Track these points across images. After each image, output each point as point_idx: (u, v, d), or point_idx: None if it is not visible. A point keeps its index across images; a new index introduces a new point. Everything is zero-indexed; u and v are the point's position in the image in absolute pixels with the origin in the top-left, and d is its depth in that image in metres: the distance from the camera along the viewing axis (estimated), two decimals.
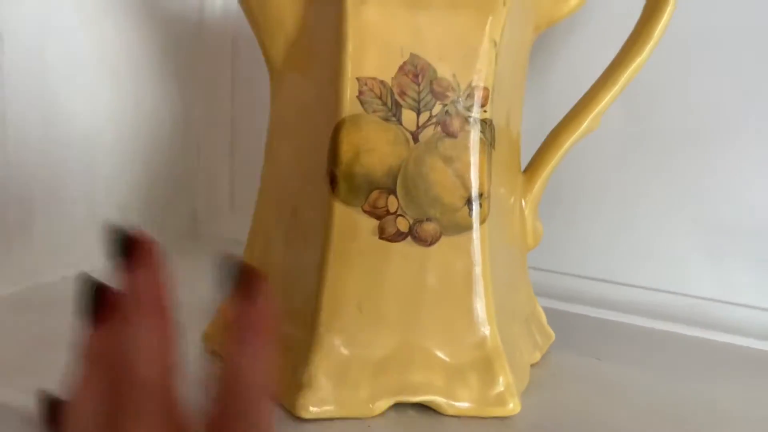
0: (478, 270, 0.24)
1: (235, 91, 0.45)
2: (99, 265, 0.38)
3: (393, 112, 0.23)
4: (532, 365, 0.28)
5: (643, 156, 0.35)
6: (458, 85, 0.23)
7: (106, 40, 0.37)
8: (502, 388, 0.24)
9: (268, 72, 0.27)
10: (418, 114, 0.23)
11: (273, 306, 0.17)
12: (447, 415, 0.24)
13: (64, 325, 0.30)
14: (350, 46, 0.23)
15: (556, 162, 0.29)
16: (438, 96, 0.23)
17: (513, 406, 0.24)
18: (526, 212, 0.29)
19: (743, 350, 0.32)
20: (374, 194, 0.24)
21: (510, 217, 0.28)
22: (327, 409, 0.23)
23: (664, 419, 0.25)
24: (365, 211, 0.24)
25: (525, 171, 0.30)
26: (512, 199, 0.28)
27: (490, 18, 0.23)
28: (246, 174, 0.46)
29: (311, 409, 0.23)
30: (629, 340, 0.33)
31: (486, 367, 0.24)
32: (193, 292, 0.35)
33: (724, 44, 0.33)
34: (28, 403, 0.23)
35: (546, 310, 0.31)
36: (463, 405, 0.24)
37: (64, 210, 0.36)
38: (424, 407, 0.24)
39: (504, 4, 0.23)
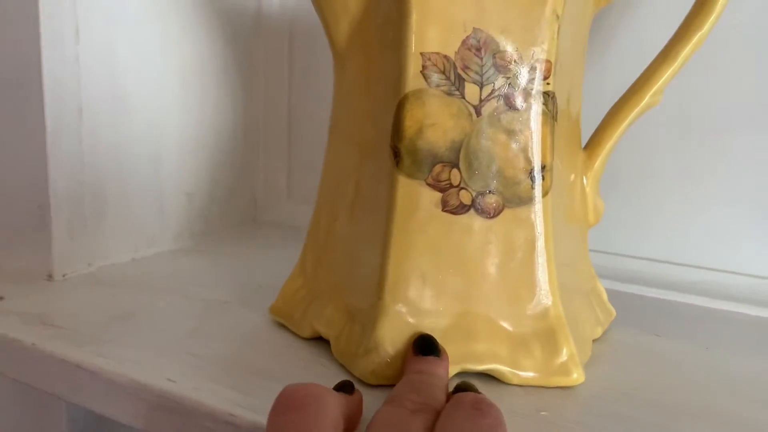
0: (540, 242, 0.25)
1: (292, 84, 0.46)
2: (165, 248, 0.40)
3: (456, 86, 0.24)
4: (594, 340, 0.28)
5: (702, 137, 0.35)
6: (521, 58, 0.24)
7: (171, 35, 0.39)
8: (565, 358, 0.25)
9: (331, 54, 0.28)
10: (481, 87, 0.24)
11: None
12: (511, 384, 0.25)
13: (132, 300, 0.31)
14: (413, 22, 0.23)
15: (617, 139, 0.29)
16: (501, 69, 0.24)
17: (577, 376, 0.25)
18: (588, 189, 0.29)
19: None
20: (437, 168, 0.24)
21: (571, 193, 0.28)
22: (391, 376, 0.24)
23: (718, 391, 0.25)
24: (428, 185, 0.24)
25: (586, 147, 0.30)
26: (573, 176, 0.28)
27: None
28: (302, 164, 0.47)
29: (376, 375, 0.24)
30: (687, 319, 0.33)
31: (549, 337, 0.25)
32: (255, 271, 0.36)
33: None
34: (109, 367, 0.25)
35: (606, 290, 0.31)
36: (527, 374, 0.24)
37: (134, 198, 0.38)
38: (488, 376, 0.25)
39: None
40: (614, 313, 0.31)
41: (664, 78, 0.28)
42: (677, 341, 0.30)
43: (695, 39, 0.28)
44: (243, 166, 0.46)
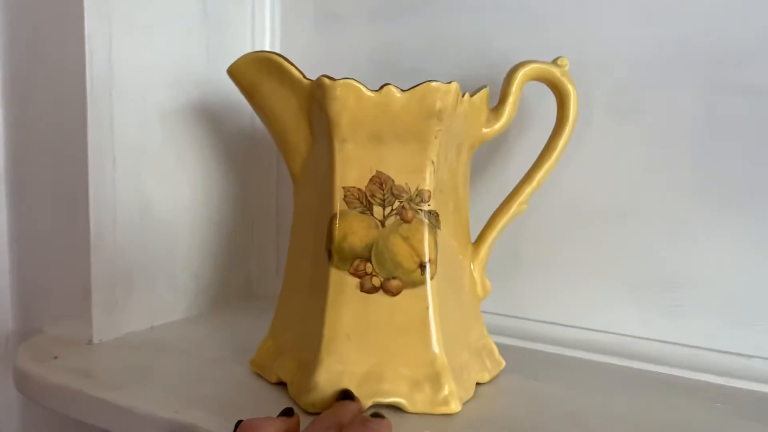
0: (430, 311, 0.36)
1: (279, 182, 0.59)
2: (177, 318, 0.52)
3: (367, 208, 0.36)
4: (480, 383, 0.39)
5: (585, 224, 0.46)
6: (409, 189, 0.36)
7: (185, 157, 0.51)
8: (446, 393, 0.35)
9: (291, 179, 0.40)
10: (384, 208, 0.36)
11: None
12: (409, 412, 0.35)
13: (151, 358, 0.42)
14: (338, 167, 0.35)
15: (496, 235, 0.41)
16: (396, 196, 0.36)
17: (454, 406, 0.35)
18: (475, 273, 0.41)
19: (651, 375, 0.42)
20: (357, 262, 0.36)
21: (461, 275, 0.39)
22: (324, 406, 0.35)
23: (575, 422, 0.35)
24: (351, 273, 0.36)
25: (475, 242, 0.41)
26: (462, 264, 0.40)
27: (427, 146, 0.35)
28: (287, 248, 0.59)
29: (313, 405, 0.35)
30: (566, 368, 0.43)
31: (435, 379, 0.35)
32: (246, 335, 0.47)
33: (648, 133, 0.44)
34: (134, 404, 0.36)
35: (502, 345, 0.42)
36: (419, 405, 0.35)
37: (153, 280, 0.50)
38: (393, 407, 0.36)
39: (435, 137, 0.35)
40: (503, 363, 0.41)
41: (526, 193, 0.40)
42: (552, 384, 0.40)
43: (545, 168, 0.40)
44: (240, 251, 0.58)
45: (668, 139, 0.43)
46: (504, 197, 0.41)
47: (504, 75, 0.40)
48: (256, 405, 0.36)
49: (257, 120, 0.58)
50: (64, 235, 0.46)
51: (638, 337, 0.44)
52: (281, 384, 0.38)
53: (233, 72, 0.38)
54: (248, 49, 0.57)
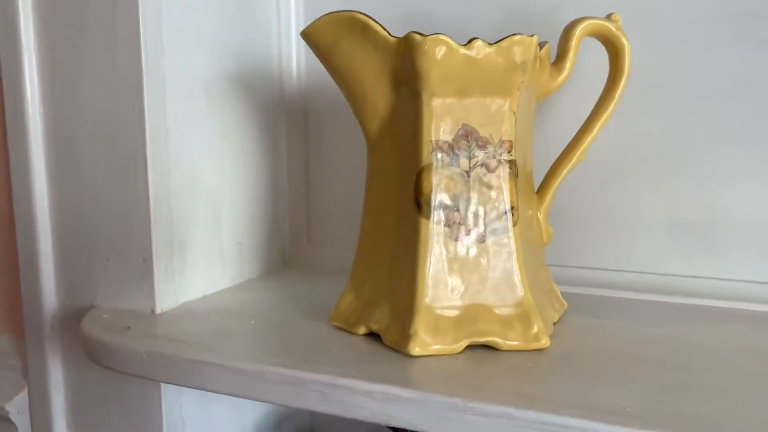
0: (514, 256, 0.38)
1: (309, 153, 0.60)
2: (224, 287, 0.52)
3: (454, 159, 0.37)
4: (554, 323, 0.42)
5: (620, 178, 0.49)
6: (493, 140, 0.38)
7: (226, 128, 0.52)
8: (536, 330, 0.38)
9: (365, 140, 0.41)
10: (470, 159, 0.37)
11: None
12: (503, 350, 0.37)
13: (224, 323, 0.43)
14: (425, 121, 0.37)
15: (558, 184, 0.43)
16: (481, 147, 0.38)
17: (545, 342, 0.38)
18: (541, 219, 0.43)
19: (695, 307, 0.46)
20: (445, 211, 0.37)
21: (530, 223, 0.42)
22: (428, 349, 0.37)
23: (636, 346, 0.38)
24: (440, 223, 0.37)
25: (537, 192, 0.43)
26: (530, 212, 0.42)
27: (509, 98, 0.37)
28: (318, 218, 0.60)
29: (416, 349, 0.37)
30: (618, 307, 0.46)
31: (525, 317, 0.38)
32: (297, 300, 0.48)
33: (685, 84, 0.47)
34: (220, 360, 0.37)
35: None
36: (513, 343, 0.37)
37: (204, 250, 0.50)
38: (488, 346, 0.38)
39: (518, 89, 0.37)
40: (566, 304, 0.44)
41: (586, 143, 0.42)
42: (614, 321, 0.43)
43: (603, 117, 0.42)
44: (275, 221, 0.59)
45: (703, 89, 0.46)
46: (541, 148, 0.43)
47: (540, 34, 0.42)
48: (355, 354, 0.38)
49: (287, 92, 0.58)
50: (122, 206, 0.46)
51: (680, 275, 0.47)
52: (370, 335, 0.40)
53: (311, 33, 0.39)
54: (274, 18, 0.57)
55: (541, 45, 0.40)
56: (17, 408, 0.51)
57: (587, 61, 0.46)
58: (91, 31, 0.45)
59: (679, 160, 0.47)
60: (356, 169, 0.57)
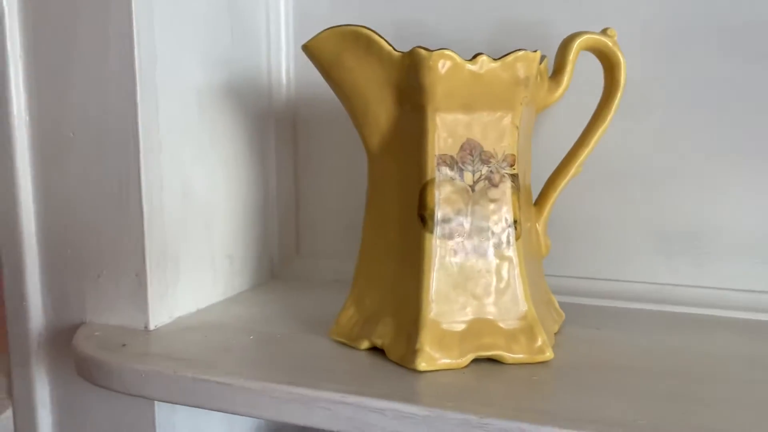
0: (517, 270, 0.38)
1: (298, 163, 0.59)
2: (216, 300, 0.51)
3: (458, 174, 0.37)
4: (554, 333, 0.42)
5: (612, 191, 0.50)
6: (496, 155, 0.38)
7: (216, 138, 0.51)
8: (540, 343, 0.38)
9: (366, 154, 0.41)
10: (473, 174, 0.38)
11: None
12: (508, 364, 0.38)
13: (220, 339, 0.42)
14: (430, 136, 0.37)
15: (556, 197, 0.43)
16: (485, 162, 0.38)
17: (549, 354, 0.38)
18: (540, 232, 0.43)
19: (687, 316, 0.47)
20: (449, 226, 0.37)
21: (530, 235, 0.42)
22: (434, 364, 0.36)
23: (643, 362, 0.39)
24: (444, 237, 0.37)
25: (535, 204, 0.44)
26: (530, 224, 0.42)
27: (512, 113, 0.37)
28: (308, 229, 0.59)
29: (423, 365, 0.36)
30: (613, 316, 0.47)
31: (529, 331, 0.38)
32: (301, 312, 0.47)
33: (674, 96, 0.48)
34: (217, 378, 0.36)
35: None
36: (517, 356, 0.38)
37: (196, 264, 0.49)
38: (493, 360, 0.38)
39: (521, 104, 0.37)
40: (564, 315, 0.44)
41: (583, 156, 0.43)
42: (611, 331, 0.44)
43: (600, 131, 0.43)
44: (264, 232, 0.58)
45: (692, 102, 0.47)
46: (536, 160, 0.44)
47: (532, 47, 0.42)
48: (360, 369, 0.37)
49: (276, 102, 0.58)
50: (114, 221, 0.45)
51: (672, 284, 0.48)
52: (372, 350, 0.40)
53: (313, 47, 0.38)
54: (263, 28, 0.57)
55: (541, 59, 0.40)
56: (1, 428, 0.50)
57: (582, 75, 0.47)
58: (83, 42, 0.44)
59: (669, 172, 0.48)
60: (346, 180, 0.57)
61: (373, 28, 0.38)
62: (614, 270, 0.50)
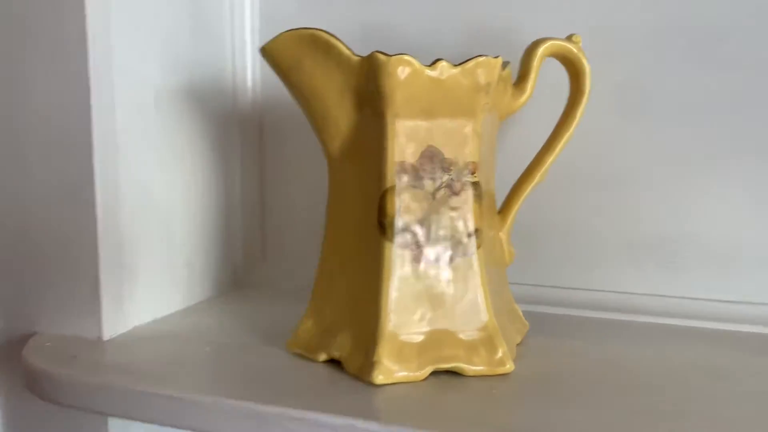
0: (478, 279, 0.37)
1: (263, 168, 0.58)
2: (174, 310, 0.50)
3: (418, 181, 0.37)
4: (516, 344, 0.41)
5: (580, 197, 0.49)
6: (457, 162, 0.37)
7: (178, 145, 0.50)
8: (501, 355, 0.37)
9: (326, 160, 0.40)
10: (434, 181, 0.37)
11: None
12: (469, 376, 0.37)
13: (175, 351, 0.41)
14: (390, 142, 0.36)
15: (520, 204, 0.43)
16: (445, 170, 0.37)
17: (509, 366, 0.37)
18: (503, 240, 0.43)
19: (655, 326, 0.46)
20: (409, 234, 0.37)
21: (493, 244, 0.41)
22: (392, 377, 0.35)
23: (607, 374, 0.38)
24: (404, 246, 0.37)
25: (499, 212, 0.43)
26: (493, 232, 0.41)
27: (473, 120, 0.37)
28: (273, 234, 0.58)
29: (380, 377, 0.35)
30: (579, 326, 0.46)
31: (489, 342, 0.37)
32: (259, 322, 0.46)
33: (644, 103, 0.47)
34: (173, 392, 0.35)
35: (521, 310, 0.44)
36: (477, 368, 0.37)
37: (154, 273, 0.48)
38: (453, 372, 0.37)
39: (482, 110, 0.37)
40: (528, 325, 0.44)
41: (548, 163, 0.42)
42: (575, 341, 0.43)
43: (566, 136, 0.42)
44: (227, 239, 0.57)
45: (661, 109, 0.46)
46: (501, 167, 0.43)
47: (501, 53, 0.41)
48: (316, 383, 0.36)
49: (241, 104, 0.56)
50: (67, 226, 0.43)
51: (639, 294, 0.48)
52: (330, 362, 0.39)
53: (271, 50, 0.37)
54: (227, 29, 0.55)
55: (503, 65, 0.40)
56: None
57: (547, 81, 0.46)
58: (36, 41, 0.42)
59: (638, 179, 0.47)
60: (314, 184, 0.55)
61: (338, 31, 0.37)
62: (582, 278, 0.49)
